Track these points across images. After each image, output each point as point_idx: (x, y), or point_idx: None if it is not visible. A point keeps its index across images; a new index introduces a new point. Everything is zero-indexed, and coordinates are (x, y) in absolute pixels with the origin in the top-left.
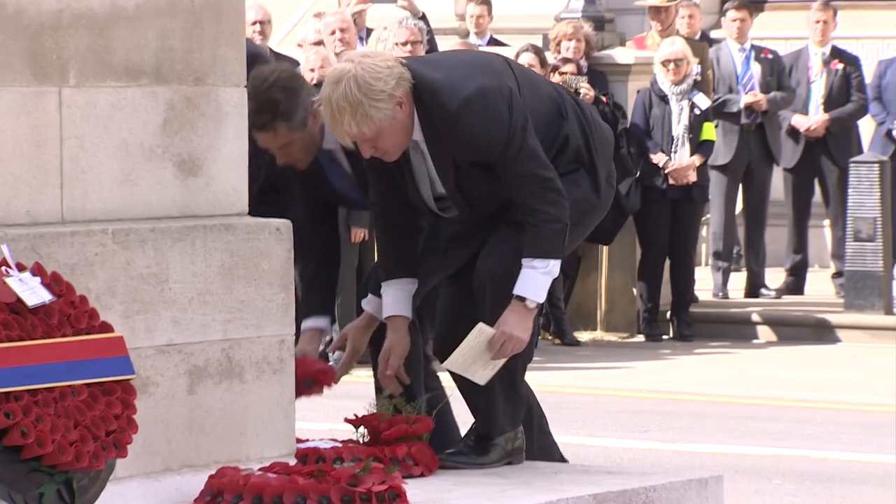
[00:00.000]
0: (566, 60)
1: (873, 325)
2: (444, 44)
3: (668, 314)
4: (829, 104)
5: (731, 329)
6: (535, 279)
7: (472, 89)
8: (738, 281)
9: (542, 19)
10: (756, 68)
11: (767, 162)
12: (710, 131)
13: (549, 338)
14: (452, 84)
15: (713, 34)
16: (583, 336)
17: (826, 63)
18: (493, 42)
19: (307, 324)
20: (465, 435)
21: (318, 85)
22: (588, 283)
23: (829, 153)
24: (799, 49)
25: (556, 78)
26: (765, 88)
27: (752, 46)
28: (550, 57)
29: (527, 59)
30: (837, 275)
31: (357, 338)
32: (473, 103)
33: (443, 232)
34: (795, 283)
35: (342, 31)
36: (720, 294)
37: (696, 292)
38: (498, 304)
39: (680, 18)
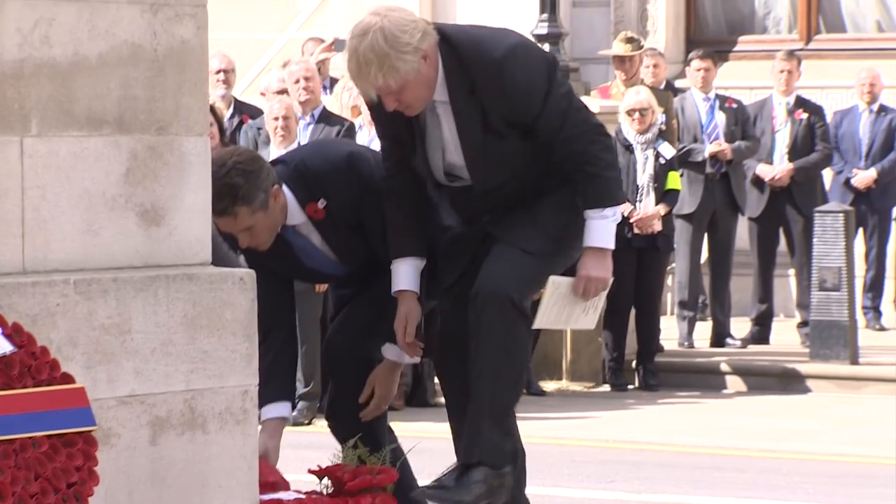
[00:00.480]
0: None
1: (839, 374)
2: None
3: (634, 363)
4: (793, 154)
5: (696, 379)
6: (608, 228)
7: (513, 40)
8: (703, 330)
9: None
10: (721, 117)
11: (732, 211)
12: (675, 180)
13: None
14: (493, 35)
15: (678, 83)
16: (548, 386)
17: (790, 113)
18: None
19: (269, 413)
20: (448, 471)
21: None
22: (553, 332)
23: (793, 202)
24: (763, 98)
25: None
26: (729, 138)
27: (717, 96)
28: None
29: None
30: (803, 324)
31: (384, 384)
32: (517, 51)
33: (439, 242)
34: (761, 332)
35: (306, 79)
36: (686, 343)
37: (662, 342)
38: (492, 328)
39: (644, 68)
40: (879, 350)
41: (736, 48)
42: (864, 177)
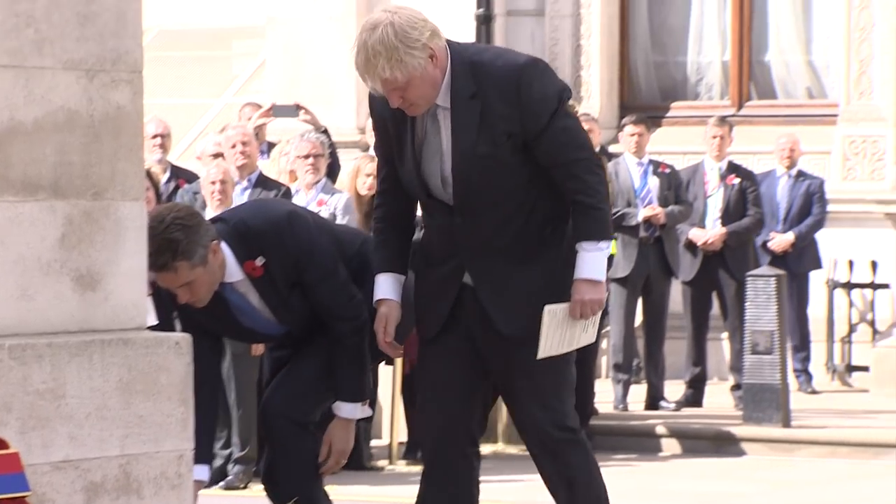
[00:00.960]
0: None
1: (772, 437)
2: (346, 156)
3: None
4: (725, 218)
5: (631, 441)
6: (601, 260)
7: (530, 56)
8: (638, 393)
9: None
10: (654, 182)
11: (666, 275)
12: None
13: None
14: (511, 50)
15: (611, 148)
16: (484, 449)
17: (723, 178)
18: None
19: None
20: None
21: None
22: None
23: (726, 266)
24: (696, 164)
25: None
26: (663, 202)
27: (650, 161)
28: None
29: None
30: (736, 387)
31: (340, 440)
32: (539, 64)
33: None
34: (694, 395)
35: (243, 143)
36: (620, 406)
37: (597, 405)
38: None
39: None
40: (811, 413)
41: (669, 114)
42: (781, 240)
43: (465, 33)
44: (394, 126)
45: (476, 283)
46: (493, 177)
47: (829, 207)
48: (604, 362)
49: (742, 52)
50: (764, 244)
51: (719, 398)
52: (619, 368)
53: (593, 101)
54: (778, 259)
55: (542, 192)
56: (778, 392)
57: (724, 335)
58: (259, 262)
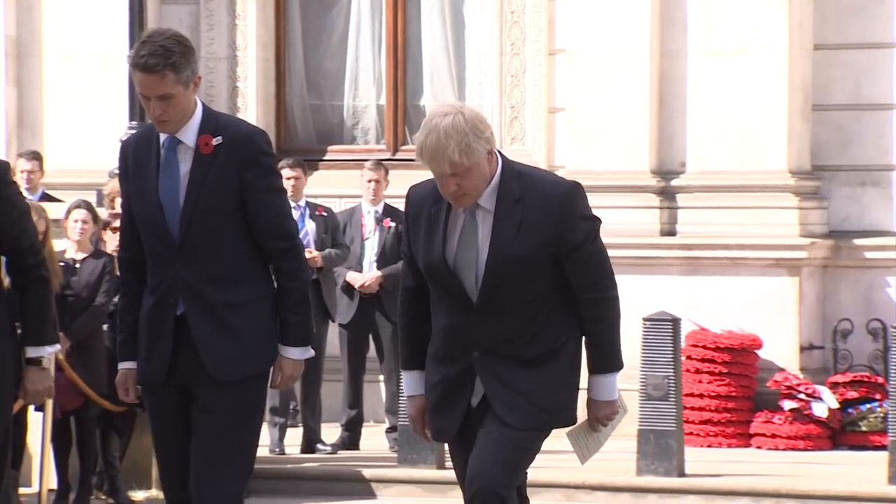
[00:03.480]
0: (119, 216)
1: (426, 478)
2: None
3: None
4: (382, 261)
5: (287, 485)
6: (614, 383)
7: (574, 180)
8: (294, 436)
9: (95, 175)
10: (311, 225)
11: (323, 318)
12: None
13: (103, 497)
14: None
15: None
16: (137, 495)
17: (379, 221)
18: (46, 197)
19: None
20: None
21: None
22: (143, 440)
23: (382, 309)
24: (353, 207)
25: (108, 234)
26: (320, 245)
27: (307, 203)
28: (104, 213)
29: (80, 216)
30: (392, 429)
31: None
32: (582, 190)
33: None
34: (351, 437)
35: None
36: (277, 450)
37: None
38: None
39: None
40: None
41: (325, 157)
42: None
43: (117, 76)
44: (427, 217)
45: (484, 383)
46: (521, 279)
47: None
48: None
49: (397, 97)
50: None
51: (376, 440)
52: (276, 412)
53: None
54: None
55: (557, 308)
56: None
57: (381, 378)
58: (215, 140)
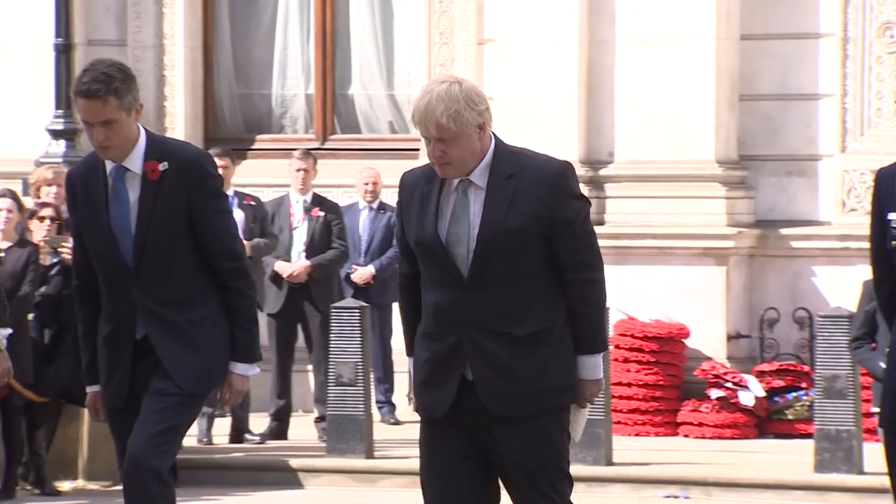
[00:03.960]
0: (45, 205)
1: (355, 468)
2: None
3: None
4: (310, 251)
5: (216, 475)
6: (599, 362)
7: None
8: (222, 426)
9: (22, 164)
10: (239, 215)
11: None
12: None
13: (29, 488)
14: None
15: None
16: (64, 485)
17: (307, 210)
18: None
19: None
20: None
21: None
22: (70, 429)
23: (311, 299)
24: (281, 196)
25: (35, 224)
26: (248, 235)
27: (236, 193)
28: (30, 202)
29: (4, 205)
30: (320, 419)
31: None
32: (572, 168)
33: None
34: (279, 427)
35: None
36: (205, 440)
37: None
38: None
39: None
40: (394, 443)
41: (254, 146)
42: (362, 273)
43: (44, 64)
44: (419, 197)
45: (472, 363)
46: (513, 254)
47: None
48: None
49: (326, 86)
50: (348, 276)
51: (304, 430)
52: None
53: (177, 132)
54: (361, 291)
55: (549, 285)
56: (361, 423)
57: (310, 367)
58: (161, 166)
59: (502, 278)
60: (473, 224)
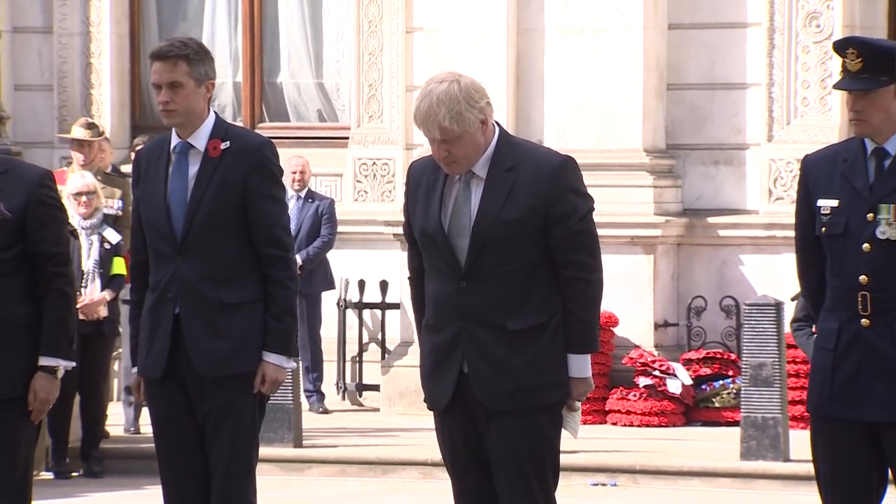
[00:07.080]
0: None
1: (283, 457)
2: None
3: (79, 450)
4: None
5: (143, 464)
6: (588, 360)
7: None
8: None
9: None
10: None
11: None
12: (120, 265)
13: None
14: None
15: (124, 168)
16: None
17: None
18: None
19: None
20: None
21: None
22: None
23: None
24: None
25: None
26: None
27: None
28: None
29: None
30: None
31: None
32: (574, 163)
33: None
34: None
35: None
36: (132, 429)
37: (108, 427)
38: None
39: None
40: (323, 432)
41: None
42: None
43: None
44: (425, 187)
45: (468, 356)
46: (510, 246)
47: (341, 228)
48: (115, 385)
49: (254, 74)
50: None
51: None
52: (130, 391)
53: (104, 120)
54: None
55: (546, 281)
56: (290, 412)
57: None
58: (223, 145)
59: (498, 271)
60: (473, 215)
